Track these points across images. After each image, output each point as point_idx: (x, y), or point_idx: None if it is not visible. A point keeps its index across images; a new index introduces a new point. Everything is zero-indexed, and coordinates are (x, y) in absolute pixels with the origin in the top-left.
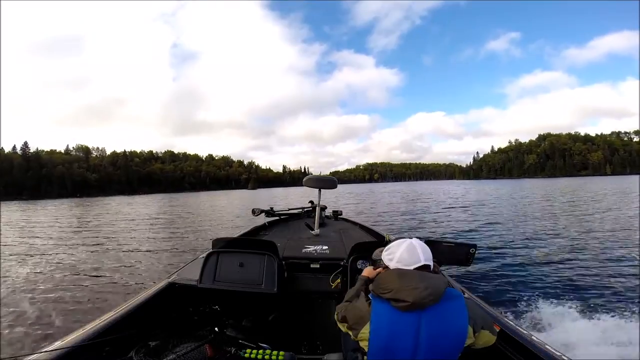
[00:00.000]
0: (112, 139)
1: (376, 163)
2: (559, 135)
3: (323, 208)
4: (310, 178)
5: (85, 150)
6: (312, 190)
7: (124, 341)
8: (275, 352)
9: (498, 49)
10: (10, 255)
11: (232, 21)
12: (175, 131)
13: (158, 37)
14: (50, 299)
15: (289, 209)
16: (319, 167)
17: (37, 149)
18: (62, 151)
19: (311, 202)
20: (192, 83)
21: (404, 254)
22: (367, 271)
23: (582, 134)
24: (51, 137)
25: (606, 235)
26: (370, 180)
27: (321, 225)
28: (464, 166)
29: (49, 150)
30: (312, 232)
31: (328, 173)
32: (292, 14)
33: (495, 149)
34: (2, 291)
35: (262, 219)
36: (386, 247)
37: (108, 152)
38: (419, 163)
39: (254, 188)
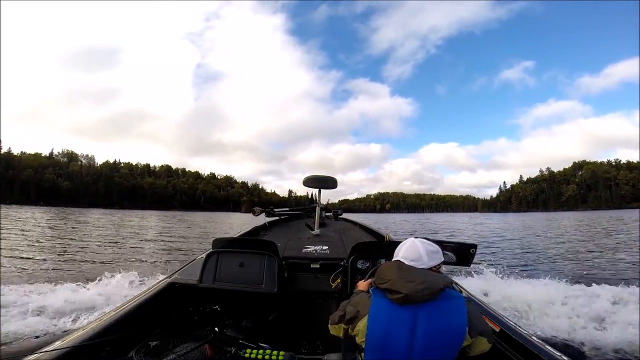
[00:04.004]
0: (125, 154)
1: (388, 193)
2: (596, 163)
3: (323, 208)
4: (310, 178)
5: (70, 156)
6: None
7: (124, 341)
8: (275, 352)
9: (512, 78)
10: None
11: (255, 44)
12: (190, 150)
13: (185, 56)
14: (47, 300)
15: (290, 209)
16: (328, 194)
17: (10, 149)
18: (47, 155)
19: (311, 202)
20: (211, 104)
21: (406, 252)
22: (362, 285)
23: (624, 161)
24: (64, 147)
25: None
26: (382, 210)
27: (321, 225)
28: (481, 198)
29: (26, 152)
30: (312, 232)
31: (337, 201)
32: (311, 41)
33: (524, 179)
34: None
35: (263, 219)
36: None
37: (101, 162)
38: (434, 194)
39: (248, 211)
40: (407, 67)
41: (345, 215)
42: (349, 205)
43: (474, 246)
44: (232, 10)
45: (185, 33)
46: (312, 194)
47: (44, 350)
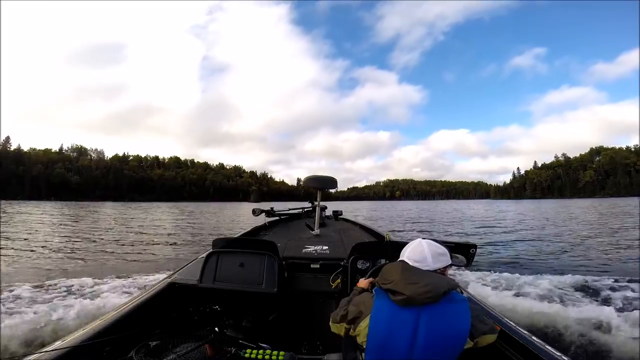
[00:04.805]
0: (135, 147)
1: (397, 180)
2: (615, 149)
3: (323, 208)
4: (310, 178)
5: (80, 150)
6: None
7: (124, 341)
8: (275, 352)
9: (523, 65)
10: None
11: (260, 35)
12: (199, 142)
13: (189, 50)
14: (46, 300)
15: (290, 209)
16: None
17: (19, 145)
18: (56, 150)
19: (311, 202)
20: (218, 95)
21: (411, 252)
22: (362, 283)
23: None
24: (74, 142)
25: None
26: (392, 197)
27: (321, 225)
28: (494, 184)
29: (36, 148)
30: (312, 232)
31: (346, 189)
32: (315, 30)
33: (539, 165)
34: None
35: (263, 219)
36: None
37: (110, 155)
38: (445, 181)
39: (256, 201)
40: (414, 55)
41: (353, 203)
42: (358, 193)
43: (474, 246)
44: (234, 3)
45: (188, 26)
46: None
47: (44, 350)
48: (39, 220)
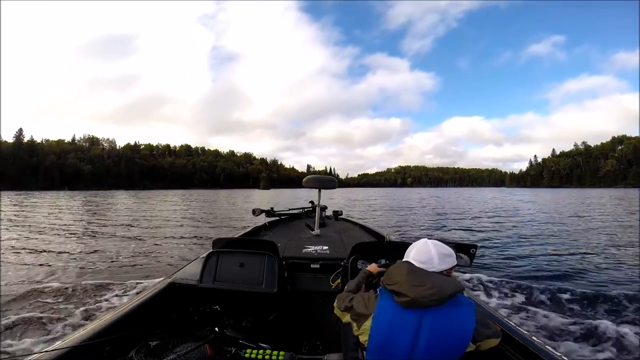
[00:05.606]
0: (147, 136)
1: (409, 167)
2: (639, 138)
3: (323, 208)
4: (310, 178)
5: (92, 140)
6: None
7: (124, 341)
8: (275, 352)
9: (540, 53)
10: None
11: (268, 23)
12: (210, 130)
13: (199, 39)
14: (45, 299)
15: (290, 209)
16: (347, 169)
17: (32, 137)
18: (69, 141)
19: (311, 202)
20: (229, 84)
21: (416, 253)
22: (372, 267)
23: None
24: (86, 132)
25: None
26: (403, 184)
27: (321, 225)
28: (509, 172)
29: (49, 139)
30: (313, 232)
31: (356, 175)
32: (324, 17)
33: (557, 153)
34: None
35: (263, 219)
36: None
37: (122, 145)
38: (458, 168)
39: (266, 188)
40: (427, 41)
41: (363, 190)
42: (369, 180)
43: (475, 246)
44: None
45: (197, 17)
46: (332, 169)
47: (44, 350)
48: (27, 213)
